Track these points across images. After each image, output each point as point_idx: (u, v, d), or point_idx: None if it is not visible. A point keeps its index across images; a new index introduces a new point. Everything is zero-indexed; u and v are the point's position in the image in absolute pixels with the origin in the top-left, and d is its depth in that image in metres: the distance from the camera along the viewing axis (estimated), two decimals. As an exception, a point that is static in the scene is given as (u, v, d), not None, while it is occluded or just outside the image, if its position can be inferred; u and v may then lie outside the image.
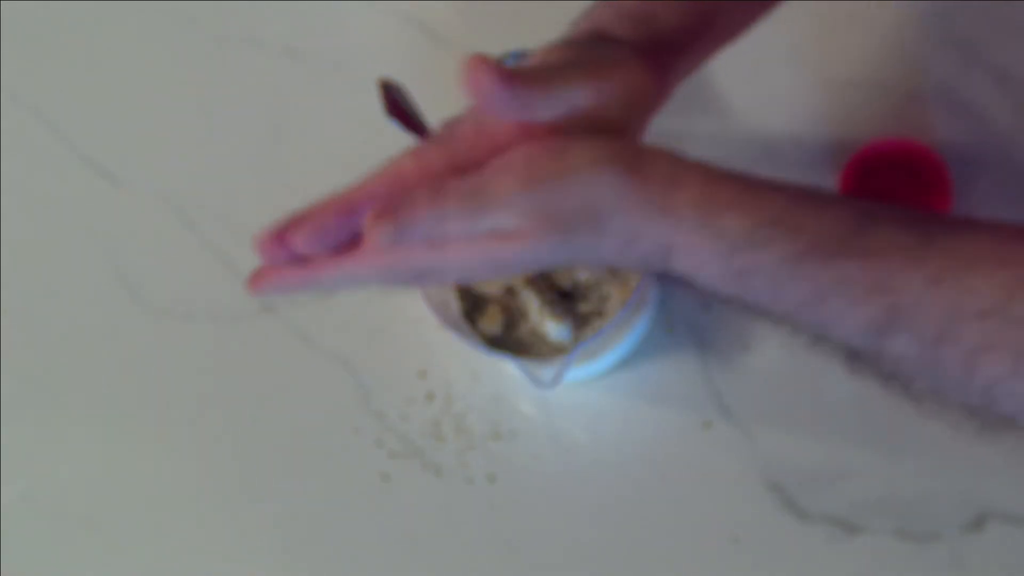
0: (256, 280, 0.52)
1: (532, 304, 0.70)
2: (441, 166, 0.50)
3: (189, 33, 0.86)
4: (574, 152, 0.48)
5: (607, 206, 0.47)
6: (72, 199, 0.84)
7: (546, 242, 0.48)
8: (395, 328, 0.78)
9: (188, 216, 0.82)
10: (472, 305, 0.72)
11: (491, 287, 0.71)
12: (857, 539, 0.71)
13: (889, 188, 0.74)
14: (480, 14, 0.83)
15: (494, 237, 0.48)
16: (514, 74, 0.48)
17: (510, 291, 0.71)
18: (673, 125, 0.77)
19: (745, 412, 0.74)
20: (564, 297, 0.71)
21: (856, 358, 0.48)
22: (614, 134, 0.51)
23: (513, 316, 0.71)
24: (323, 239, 0.50)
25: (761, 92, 0.79)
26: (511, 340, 0.71)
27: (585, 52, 0.52)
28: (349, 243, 0.50)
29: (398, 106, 0.69)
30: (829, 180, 0.75)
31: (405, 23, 0.84)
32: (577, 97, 0.50)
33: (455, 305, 0.72)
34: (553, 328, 0.70)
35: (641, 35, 0.54)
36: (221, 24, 0.86)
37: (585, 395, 0.76)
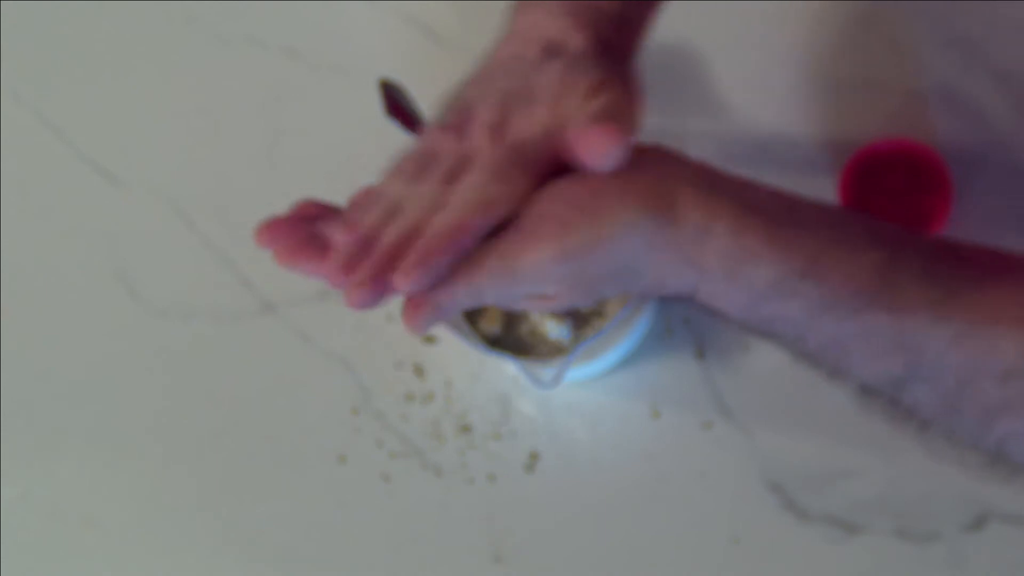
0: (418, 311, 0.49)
1: (532, 304, 0.70)
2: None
3: (189, 33, 0.86)
4: (606, 213, 0.47)
5: (639, 264, 0.47)
6: (72, 199, 0.84)
7: (574, 301, 0.49)
8: (395, 328, 0.78)
9: (188, 216, 0.82)
10: (472, 305, 0.72)
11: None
12: (857, 539, 0.71)
13: (889, 188, 0.74)
14: (480, 14, 0.83)
15: (529, 297, 0.49)
16: (629, 128, 0.48)
17: (510, 291, 0.71)
18: (673, 125, 0.77)
19: (745, 412, 0.74)
20: (564, 297, 0.71)
21: (869, 394, 0.48)
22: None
23: (513, 316, 0.71)
24: (433, 281, 0.48)
25: (761, 92, 0.79)
26: (511, 340, 0.71)
27: (617, 69, 0.51)
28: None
29: (398, 106, 0.69)
30: (829, 180, 0.75)
31: (405, 23, 0.84)
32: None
33: (455, 305, 0.72)
34: (553, 328, 0.70)
35: (620, 36, 0.54)
36: (221, 24, 0.86)
37: (585, 395, 0.76)
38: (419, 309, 0.48)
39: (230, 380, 0.79)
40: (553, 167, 0.49)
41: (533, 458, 0.75)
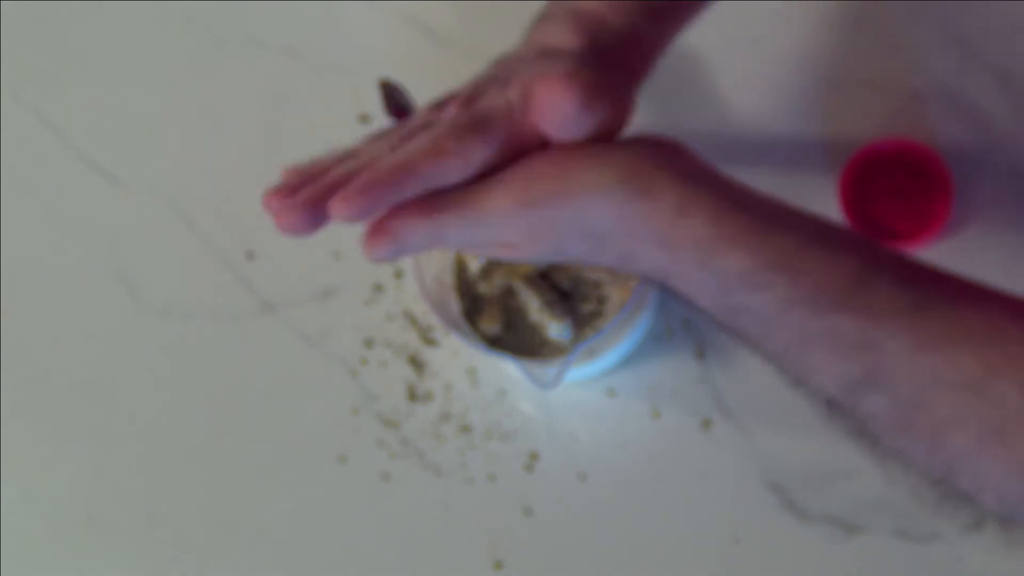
0: (384, 232, 0.49)
1: (532, 304, 0.70)
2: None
3: (189, 33, 0.86)
4: (577, 172, 0.47)
5: (607, 232, 0.47)
6: (72, 199, 0.84)
7: (539, 254, 0.50)
8: (396, 328, 0.78)
9: (188, 216, 0.82)
10: (472, 305, 0.72)
11: (491, 287, 0.72)
12: (857, 539, 0.71)
13: (889, 188, 0.74)
14: (480, 14, 0.83)
15: (491, 244, 0.50)
16: (599, 92, 0.48)
17: (510, 291, 0.71)
18: (673, 125, 0.77)
19: (745, 412, 0.74)
20: (564, 297, 0.71)
21: (834, 406, 0.48)
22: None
23: (513, 316, 0.71)
24: (370, 213, 0.48)
25: (761, 92, 0.79)
26: (511, 340, 0.71)
27: (610, 75, 0.51)
28: None
29: (398, 106, 0.69)
30: (829, 180, 0.75)
31: (405, 23, 0.84)
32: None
33: (455, 305, 0.72)
34: (553, 328, 0.70)
35: (625, 50, 0.54)
36: (221, 24, 0.86)
37: (585, 395, 0.76)
38: (377, 235, 0.49)
39: (230, 380, 0.79)
40: (519, 142, 0.49)
41: (533, 458, 0.75)
